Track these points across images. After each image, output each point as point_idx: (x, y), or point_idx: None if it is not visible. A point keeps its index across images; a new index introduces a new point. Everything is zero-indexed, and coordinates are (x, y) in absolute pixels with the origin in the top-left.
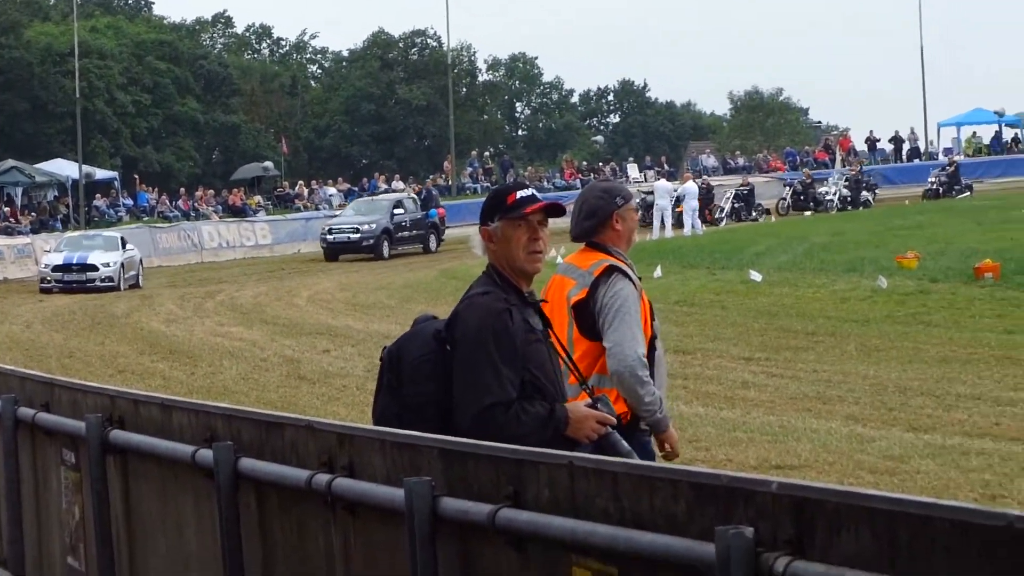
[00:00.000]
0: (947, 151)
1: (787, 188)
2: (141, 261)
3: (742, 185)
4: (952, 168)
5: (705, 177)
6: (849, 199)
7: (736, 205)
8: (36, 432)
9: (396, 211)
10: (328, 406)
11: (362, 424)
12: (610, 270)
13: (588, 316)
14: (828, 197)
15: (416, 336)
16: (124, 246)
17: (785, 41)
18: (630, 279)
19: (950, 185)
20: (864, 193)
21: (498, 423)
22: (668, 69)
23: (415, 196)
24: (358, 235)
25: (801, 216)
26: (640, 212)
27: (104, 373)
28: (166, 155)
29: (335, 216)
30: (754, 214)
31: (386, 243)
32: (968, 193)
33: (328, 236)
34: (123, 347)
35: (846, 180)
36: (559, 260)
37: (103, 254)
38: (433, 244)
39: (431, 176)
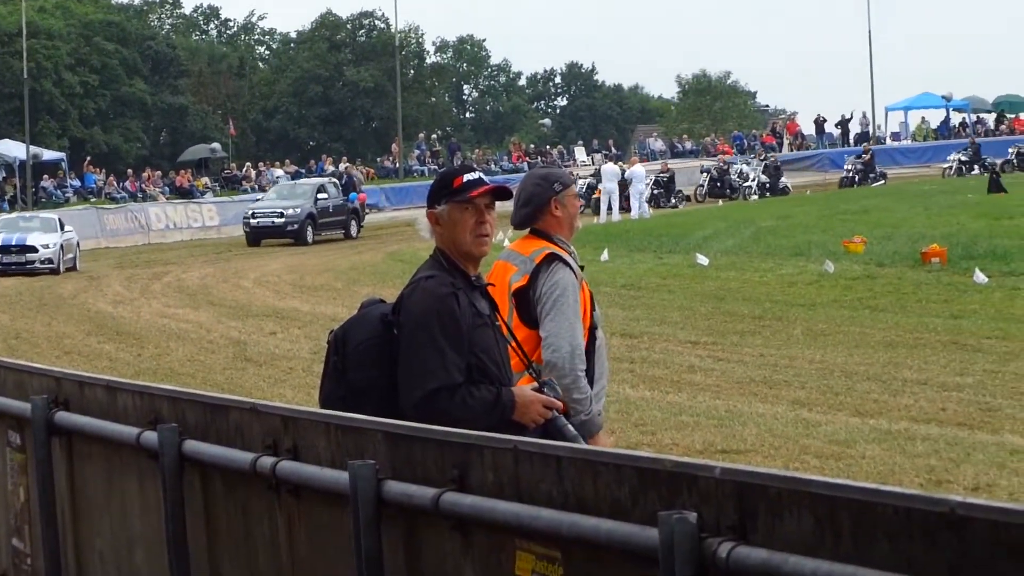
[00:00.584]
0: (895, 135)
1: (703, 175)
2: (78, 243)
3: (661, 171)
4: (868, 156)
5: (664, 162)
6: (767, 185)
7: (655, 191)
8: None
9: (320, 196)
10: (274, 388)
11: (307, 407)
12: (551, 258)
13: (528, 303)
14: (746, 184)
15: (362, 320)
16: (63, 228)
17: (733, 24)
18: (571, 268)
19: (865, 173)
20: (782, 180)
21: (443, 407)
22: (616, 52)
23: (336, 180)
24: (282, 219)
25: (716, 204)
26: (651, 192)
27: (51, 354)
28: (114, 136)
29: (259, 200)
30: (673, 200)
31: (310, 228)
32: (882, 181)
33: (252, 220)
34: (70, 328)
35: (764, 166)
36: (505, 243)
37: (42, 235)
38: (354, 230)
39: (380, 158)
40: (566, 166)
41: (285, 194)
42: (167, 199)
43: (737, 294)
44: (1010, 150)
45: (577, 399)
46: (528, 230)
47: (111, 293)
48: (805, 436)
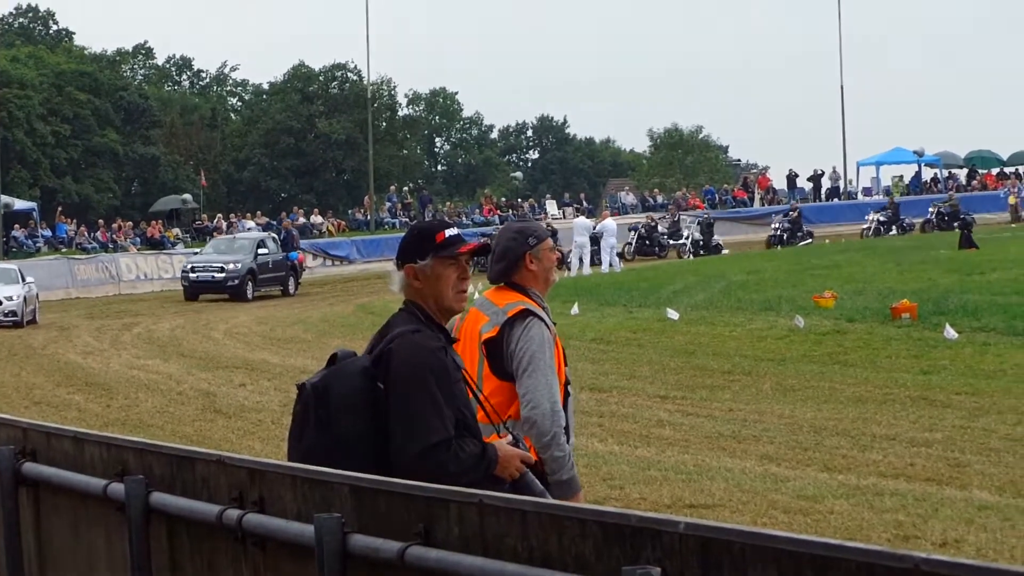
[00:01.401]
0: (866, 190)
1: (631, 232)
2: (37, 295)
3: (647, 222)
4: (795, 214)
5: (651, 214)
6: (701, 243)
7: (640, 242)
8: None
9: (260, 251)
10: (243, 440)
11: (274, 460)
12: (525, 313)
13: (499, 355)
14: (681, 242)
15: (343, 372)
16: (24, 278)
17: (705, 79)
18: (545, 323)
19: (792, 231)
20: (715, 237)
21: (440, 461)
22: (587, 106)
23: (275, 236)
24: (223, 275)
25: (646, 262)
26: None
27: (20, 404)
28: (85, 186)
29: (197, 254)
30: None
31: (250, 284)
32: (809, 240)
33: (191, 275)
34: (39, 378)
35: (698, 224)
36: (476, 294)
37: (4, 287)
38: (292, 287)
39: (351, 210)
40: (537, 219)
41: (223, 248)
42: (138, 250)
43: (707, 348)
44: (930, 209)
45: (557, 457)
46: (502, 283)
47: (81, 344)
48: (773, 491)
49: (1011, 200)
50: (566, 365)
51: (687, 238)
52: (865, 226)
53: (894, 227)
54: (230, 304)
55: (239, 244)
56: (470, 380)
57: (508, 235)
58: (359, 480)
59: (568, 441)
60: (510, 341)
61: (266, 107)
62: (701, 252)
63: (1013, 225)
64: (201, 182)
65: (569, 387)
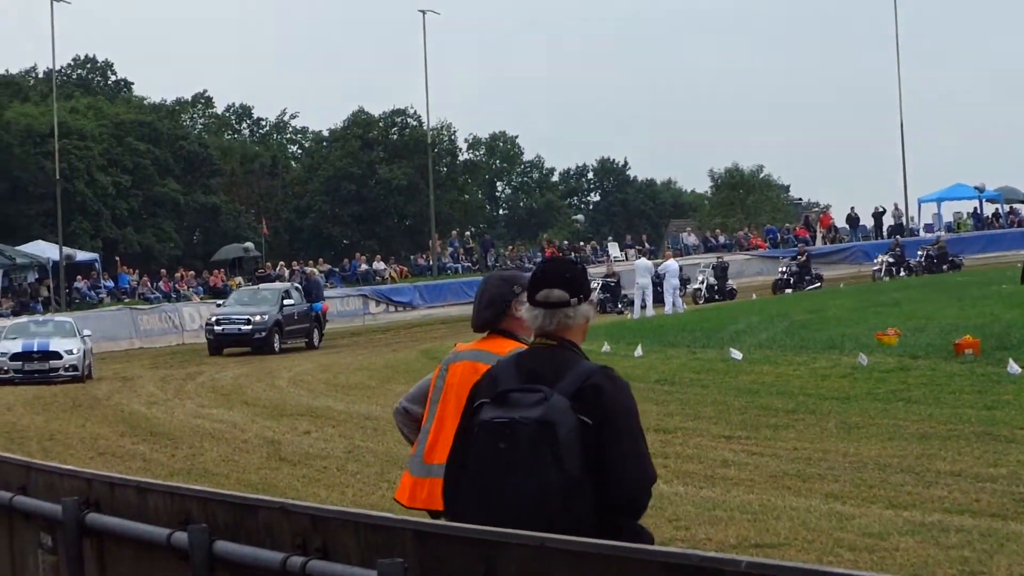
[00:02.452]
0: (928, 227)
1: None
2: (92, 348)
3: (608, 276)
4: (803, 257)
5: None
6: (716, 288)
7: (603, 296)
8: (14, 515)
9: (285, 302)
10: (309, 488)
11: (336, 506)
12: None
13: None
14: (695, 287)
15: (559, 408)
16: (80, 332)
17: (765, 118)
18: None
19: (801, 275)
20: (730, 282)
21: (649, 495)
22: (648, 147)
23: (298, 286)
24: (249, 327)
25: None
26: (598, 297)
27: (85, 455)
28: (147, 236)
29: (220, 306)
30: (619, 306)
31: (277, 336)
32: (818, 284)
33: (216, 327)
34: (104, 429)
35: (713, 267)
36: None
37: (63, 340)
38: (316, 339)
39: (414, 255)
40: (600, 262)
41: (247, 300)
42: (201, 299)
43: (771, 388)
44: (919, 252)
45: None
46: (488, 332)
47: (145, 393)
48: (839, 529)
49: None
50: None
51: (701, 282)
52: (875, 267)
53: (902, 269)
54: (295, 352)
55: (263, 295)
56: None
57: (494, 283)
58: (421, 525)
59: None
60: None
61: (326, 154)
62: (716, 297)
63: None
64: (263, 230)
65: None
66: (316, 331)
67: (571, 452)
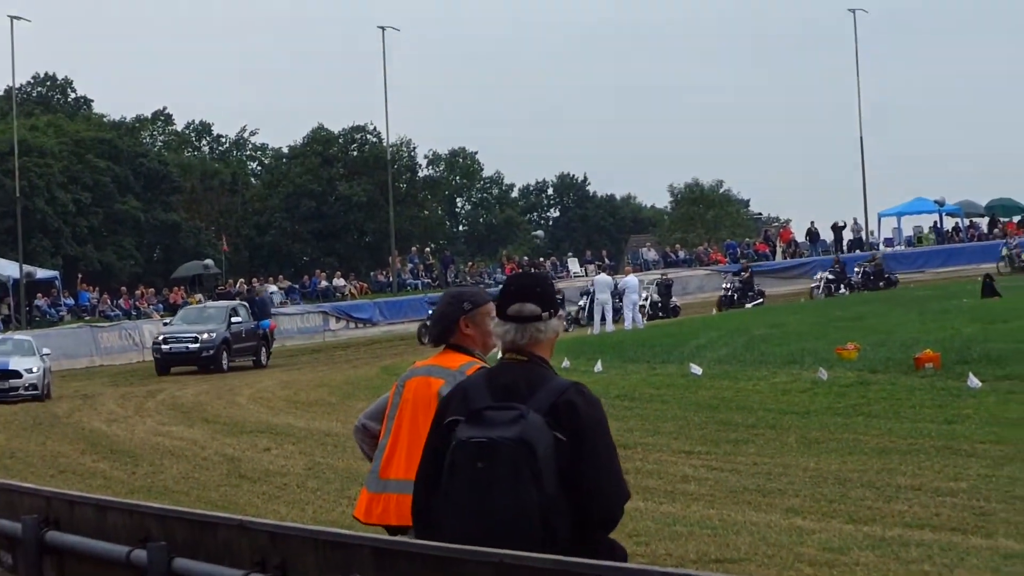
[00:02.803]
0: (888, 241)
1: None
2: (50, 368)
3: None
4: (747, 274)
5: (665, 271)
6: (660, 305)
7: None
8: None
9: (233, 319)
10: (269, 504)
11: (295, 523)
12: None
13: None
14: (640, 304)
15: (535, 426)
16: (38, 351)
17: (724, 134)
18: None
19: (744, 291)
20: (673, 299)
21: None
22: (607, 163)
23: (246, 304)
24: (198, 345)
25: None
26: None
27: (45, 473)
28: (107, 254)
29: (167, 324)
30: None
31: (225, 354)
32: (760, 300)
33: (164, 346)
34: (64, 447)
35: (657, 285)
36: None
37: (22, 359)
38: (264, 357)
39: (374, 272)
40: (559, 278)
41: (194, 318)
42: (161, 316)
43: (731, 403)
44: (855, 269)
45: None
46: (444, 347)
47: (105, 411)
48: (799, 544)
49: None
50: None
51: (644, 299)
52: (814, 285)
53: (842, 286)
54: (254, 369)
55: (210, 313)
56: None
57: (446, 300)
58: (379, 542)
59: None
60: None
61: (286, 171)
62: (660, 315)
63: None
64: (223, 247)
65: None
66: (264, 349)
67: (548, 470)
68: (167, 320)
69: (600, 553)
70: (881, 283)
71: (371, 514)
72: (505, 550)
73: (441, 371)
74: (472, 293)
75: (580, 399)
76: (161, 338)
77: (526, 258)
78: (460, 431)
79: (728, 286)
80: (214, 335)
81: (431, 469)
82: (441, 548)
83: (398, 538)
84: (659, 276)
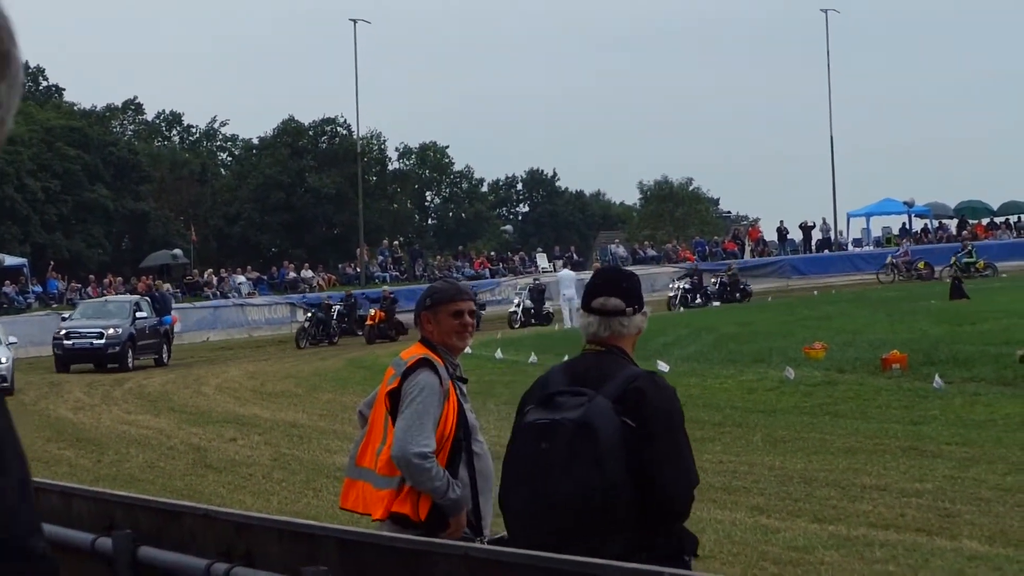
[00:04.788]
0: (856, 241)
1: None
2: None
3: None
4: (697, 279)
5: (537, 276)
6: (532, 311)
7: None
8: None
9: (137, 315)
10: (234, 495)
11: (261, 513)
12: (419, 363)
13: (398, 406)
14: (510, 310)
15: (600, 410)
16: (6, 339)
17: (695, 131)
18: (436, 372)
19: (695, 292)
20: (546, 305)
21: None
22: (577, 159)
23: (148, 299)
24: (103, 341)
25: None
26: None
27: None
28: (76, 242)
29: (67, 319)
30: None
31: (130, 351)
32: (718, 304)
33: (65, 342)
34: (30, 434)
35: (529, 290)
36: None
37: None
38: (166, 355)
39: (342, 264)
40: (528, 272)
41: (94, 313)
42: None
43: (697, 400)
44: (712, 279)
45: (436, 487)
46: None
47: (72, 399)
48: (764, 543)
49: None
50: (463, 417)
51: (517, 305)
52: (671, 295)
53: (698, 295)
54: (222, 360)
55: (113, 308)
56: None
57: (422, 294)
58: (344, 533)
59: (482, 497)
60: (403, 390)
61: (256, 162)
62: (533, 321)
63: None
64: (191, 237)
65: (477, 438)
66: (165, 347)
67: (613, 454)
68: (66, 315)
69: (666, 543)
70: (737, 294)
71: (347, 499)
72: (469, 544)
73: (397, 362)
74: (436, 289)
75: (651, 387)
76: (63, 332)
77: (493, 252)
78: (529, 414)
79: (676, 288)
80: (120, 331)
81: (508, 453)
82: (407, 540)
83: (363, 529)
84: (531, 281)
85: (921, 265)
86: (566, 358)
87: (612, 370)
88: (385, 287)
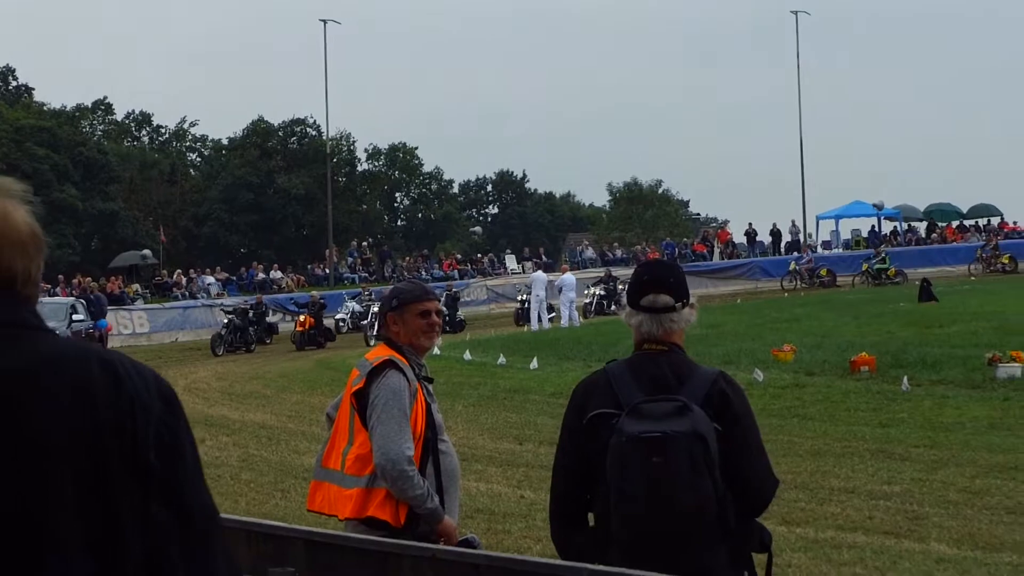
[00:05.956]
0: (826, 244)
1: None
2: None
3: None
4: (612, 283)
5: (451, 284)
6: (447, 318)
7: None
8: None
9: (74, 318)
10: None
11: (228, 514)
12: (386, 364)
13: (365, 406)
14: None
15: (702, 418)
16: None
17: (665, 133)
18: (404, 374)
19: (610, 299)
20: (459, 312)
21: None
22: (547, 160)
23: (83, 302)
24: None
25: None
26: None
27: None
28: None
29: None
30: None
31: None
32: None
33: None
34: None
35: (444, 296)
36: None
37: None
38: None
39: (311, 265)
40: (497, 274)
41: None
42: None
43: None
44: (620, 286)
45: (416, 494)
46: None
47: None
48: None
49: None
50: (431, 416)
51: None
52: (586, 300)
53: (612, 303)
54: (191, 360)
55: (48, 311)
56: (346, 426)
57: (386, 295)
58: (312, 534)
59: (448, 495)
60: (369, 391)
61: (225, 162)
62: (447, 329)
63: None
64: (160, 238)
65: (443, 436)
66: None
67: (716, 462)
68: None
69: (755, 538)
70: (613, 303)
71: (313, 501)
72: (437, 546)
73: (362, 363)
74: (402, 289)
75: (730, 389)
76: None
77: (459, 256)
78: (625, 425)
79: (593, 292)
80: (58, 333)
81: (575, 463)
82: (375, 541)
83: (331, 531)
84: (445, 287)
85: (824, 272)
86: (614, 360)
87: (684, 371)
88: (314, 293)
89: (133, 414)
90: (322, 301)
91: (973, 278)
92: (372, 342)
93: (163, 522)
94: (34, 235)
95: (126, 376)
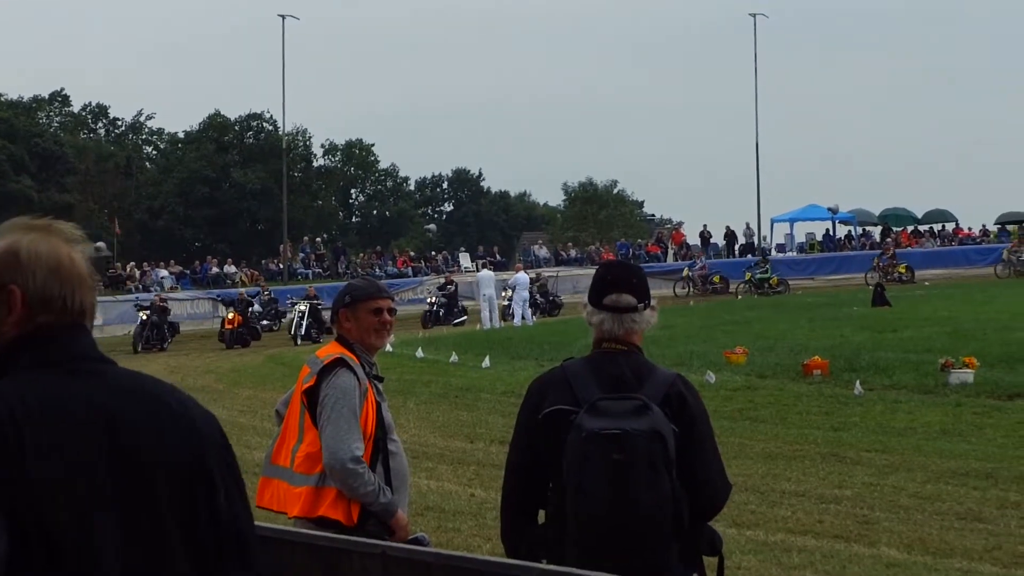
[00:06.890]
0: (780, 247)
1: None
2: None
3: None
4: (452, 288)
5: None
6: (312, 324)
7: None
8: None
9: None
10: None
11: None
12: (336, 363)
13: (315, 404)
14: (284, 322)
15: (660, 418)
16: None
17: (620, 134)
18: (354, 372)
19: (449, 307)
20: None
21: None
22: (503, 159)
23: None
24: None
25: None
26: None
27: None
28: None
29: None
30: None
31: None
32: (464, 318)
33: None
34: None
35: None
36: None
37: None
38: None
39: (265, 260)
40: (450, 271)
41: None
42: None
43: None
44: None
45: (367, 492)
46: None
47: None
48: None
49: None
50: (381, 415)
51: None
52: (425, 308)
53: (454, 310)
54: (143, 353)
55: None
56: (296, 423)
57: (339, 292)
58: (262, 530)
59: (399, 493)
60: (321, 390)
61: (181, 156)
62: (313, 333)
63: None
64: (115, 230)
65: (392, 436)
66: None
67: (674, 462)
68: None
69: (705, 540)
70: (547, 305)
71: (262, 497)
72: (387, 543)
73: (312, 360)
74: (355, 286)
75: (687, 390)
76: None
77: (412, 253)
78: (584, 422)
79: (433, 301)
80: None
81: (528, 461)
82: (325, 538)
83: (283, 527)
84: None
85: (716, 279)
86: (571, 358)
87: (643, 371)
88: (265, 286)
89: (202, 443)
90: (248, 299)
91: (869, 287)
92: (298, 341)
93: (227, 549)
94: (92, 275)
95: (193, 407)
